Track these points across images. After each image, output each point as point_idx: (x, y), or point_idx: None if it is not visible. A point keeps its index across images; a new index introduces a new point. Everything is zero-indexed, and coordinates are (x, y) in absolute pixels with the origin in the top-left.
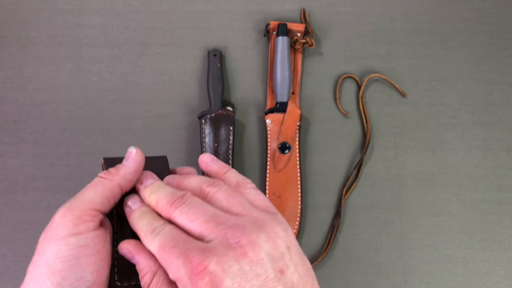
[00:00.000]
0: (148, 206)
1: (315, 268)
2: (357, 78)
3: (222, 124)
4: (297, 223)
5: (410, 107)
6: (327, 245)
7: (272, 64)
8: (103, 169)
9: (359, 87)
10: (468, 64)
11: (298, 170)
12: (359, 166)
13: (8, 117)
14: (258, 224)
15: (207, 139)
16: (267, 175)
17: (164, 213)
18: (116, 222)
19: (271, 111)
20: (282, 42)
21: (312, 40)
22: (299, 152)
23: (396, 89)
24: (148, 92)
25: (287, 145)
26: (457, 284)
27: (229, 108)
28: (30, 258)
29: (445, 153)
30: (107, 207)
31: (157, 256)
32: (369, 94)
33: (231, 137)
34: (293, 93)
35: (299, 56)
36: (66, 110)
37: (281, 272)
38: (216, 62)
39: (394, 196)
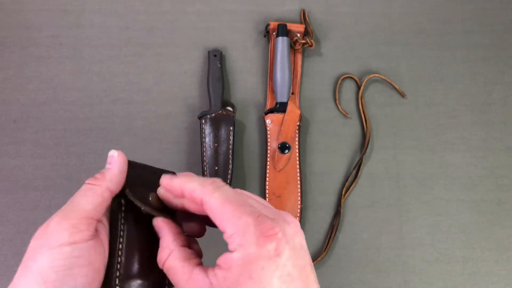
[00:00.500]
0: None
1: (315, 268)
2: (356, 79)
3: (222, 124)
4: None
5: (409, 107)
6: (327, 244)
7: (272, 64)
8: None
9: (358, 87)
10: (467, 64)
11: (298, 170)
12: (358, 166)
13: (8, 117)
14: (285, 220)
15: (207, 139)
16: (267, 175)
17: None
18: (123, 226)
19: (271, 111)
20: (282, 43)
21: (312, 41)
22: (299, 152)
23: (396, 89)
24: (149, 92)
25: (287, 145)
26: (456, 283)
27: (229, 108)
28: None
29: (444, 153)
30: (100, 213)
31: (215, 207)
32: (368, 94)
33: (231, 137)
34: (293, 93)
35: (299, 57)
36: (66, 110)
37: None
38: (216, 63)
39: (394, 196)
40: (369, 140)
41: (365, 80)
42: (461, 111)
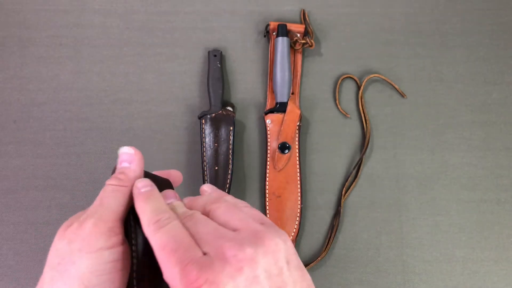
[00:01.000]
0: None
1: (314, 268)
2: (356, 79)
3: (222, 124)
4: (296, 222)
5: (409, 107)
6: (327, 244)
7: (272, 64)
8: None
9: (358, 87)
10: (467, 64)
11: (298, 170)
12: (358, 166)
13: (9, 117)
14: (257, 237)
15: (207, 139)
16: (267, 175)
17: None
18: (134, 228)
19: (271, 111)
20: (282, 43)
21: (312, 41)
22: (299, 152)
23: (396, 89)
24: (149, 92)
25: (287, 145)
26: (456, 283)
27: (229, 108)
28: (31, 258)
29: (444, 153)
30: (125, 215)
31: (155, 252)
32: (368, 94)
33: (231, 137)
34: (293, 93)
35: (299, 57)
36: (66, 110)
37: None
38: (216, 63)
39: (394, 196)
40: (369, 140)
41: (365, 80)
42: (461, 111)
